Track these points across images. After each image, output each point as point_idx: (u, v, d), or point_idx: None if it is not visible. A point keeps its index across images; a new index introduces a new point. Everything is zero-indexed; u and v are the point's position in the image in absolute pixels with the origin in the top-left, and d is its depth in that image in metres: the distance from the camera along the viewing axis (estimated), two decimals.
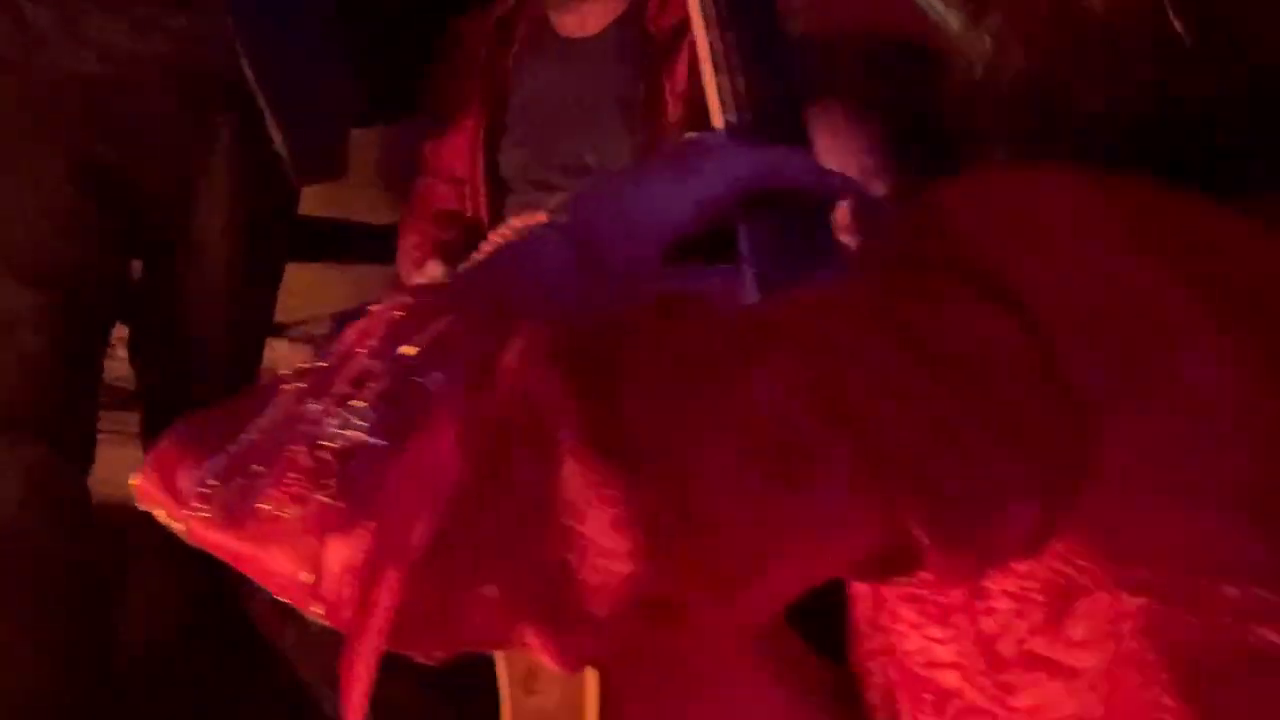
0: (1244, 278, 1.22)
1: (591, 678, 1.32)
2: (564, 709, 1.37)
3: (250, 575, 1.05)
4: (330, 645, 2.58)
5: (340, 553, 1.02)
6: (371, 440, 1.02)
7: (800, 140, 1.24)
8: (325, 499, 1.02)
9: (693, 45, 2.91)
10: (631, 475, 1.05)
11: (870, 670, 1.31)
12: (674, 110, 2.73)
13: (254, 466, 1.04)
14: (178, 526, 1.05)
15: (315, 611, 1.03)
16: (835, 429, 1.09)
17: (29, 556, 2.53)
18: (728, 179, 1.22)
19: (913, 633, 1.25)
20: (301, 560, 1.03)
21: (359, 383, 1.04)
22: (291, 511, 1.02)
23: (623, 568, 1.02)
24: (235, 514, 1.03)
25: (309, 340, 3.11)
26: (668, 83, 2.75)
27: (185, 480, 1.06)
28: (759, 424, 1.09)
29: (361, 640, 1.00)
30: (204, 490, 1.06)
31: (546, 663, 1.10)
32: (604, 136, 2.79)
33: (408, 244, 2.91)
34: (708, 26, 1.26)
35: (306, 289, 3.09)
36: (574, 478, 1.03)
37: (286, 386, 1.06)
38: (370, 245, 3.18)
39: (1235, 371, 1.19)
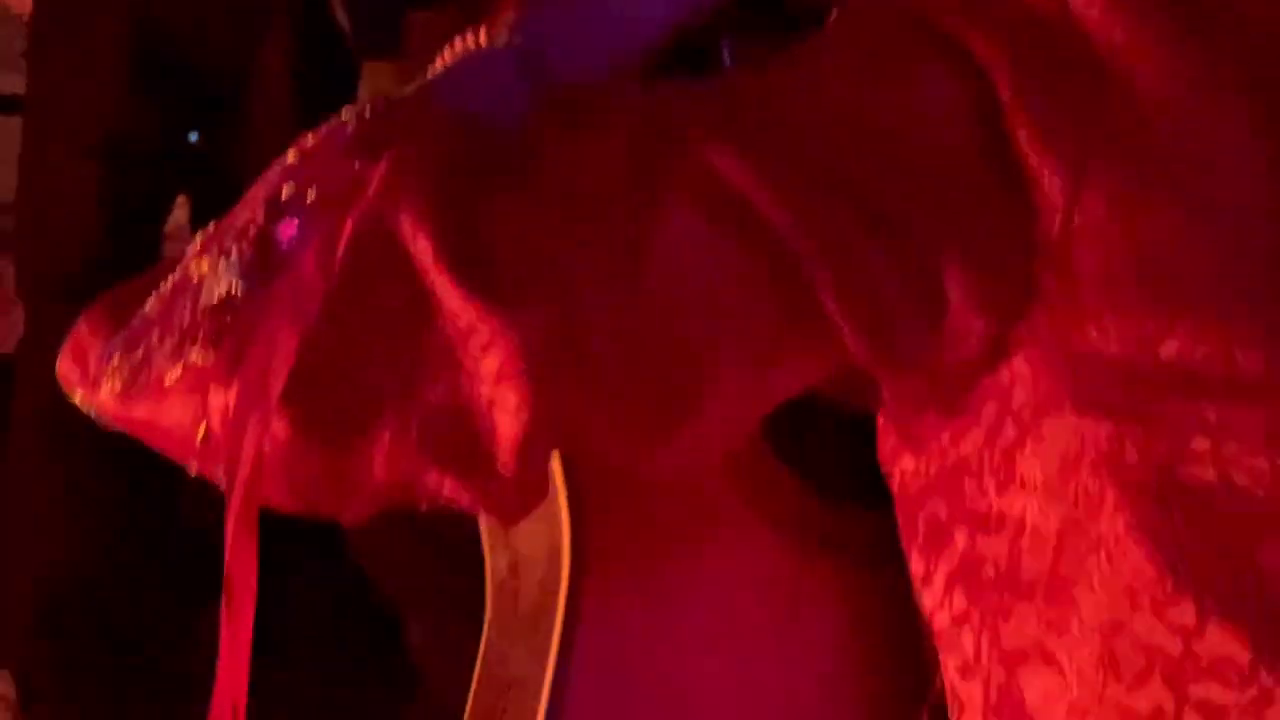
0: (1242, 34, 1.07)
1: (565, 527, 1.30)
2: (532, 560, 1.35)
3: (152, 442, 1.03)
4: (380, 527, 2.60)
5: (218, 408, 0.98)
6: (239, 288, 0.98)
7: None
8: (198, 356, 0.99)
9: None
10: (511, 302, 1.00)
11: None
12: None
13: (151, 336, 1.01)
14: (92, 409, 1.03)
15: (198, 466, 1.01)
16: (757, 245, 1.01)
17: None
18: None
19: (899, 460, 1.21)
20: (191, 424, 1.00)
21: (240, 234, 1.00)
22: (177, 373, 0.99)
23: (515, 404, 0.96)
24: (132, 386, 1.00)
25: None
26: None
27: (94, 360, 1.04)
28: (671, 244, 0.98)
29: (235, 497, 0.97)
30: (108, 366, 1.03)
31: (479, 514, 1.07)
32: None
33: None
34: None
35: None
36: (449, 304, 0.96)
37: (190, 250, 1.03)
38: None
39: (1238, 144, 1.05)
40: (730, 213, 1.02)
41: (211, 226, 1.04)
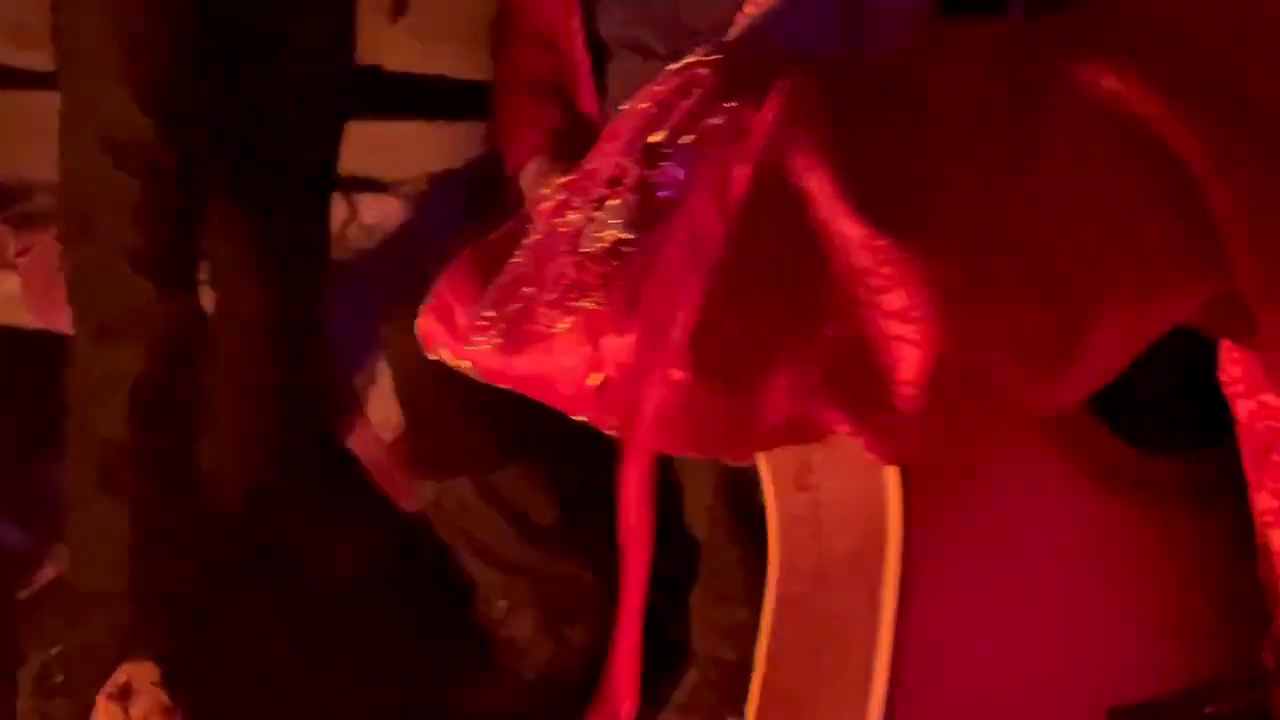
0: None
1: (892, 473, 1.30)
2: (840, 502, 1.36)
3: (544, 400, 1.02)
4: (474, 510, 2.58)
5: (614, 356, 0.98)
6: (626, 234, 0.98)
7: None
8: (591, 304, 0.99)
9: None
10: (913, 235, 0.99)
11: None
12: None
13: (525, 289, 1.00)
14: (464, 364, 1.03)
15: (596, 416, 1.00)
16: (1155, 164, 1.02)
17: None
18: None
19: (1257, 394, 1.22)
20: (582, 372, 1.00)
21: (613, 182, 1.00)
22: (565, 323, 0.99)
23: (921, 339, 0.97)
24: (514, 339, 1.00)
25: (409, 198, 3.06)
26: None
27: (463, 316, 1.03)
28: (1061, 160, 1.03)
29: (634, 443, 0.97)
30: (481, 322, 1.03)
31: (866, 452, 1.06)
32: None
33: (510, 123, 2.83)
34: None
35: (400, 145, 3.05)
36: (849, 242, 0.97)
37: (545, 205, 1.03)
38: (460, 101, 3.12)
39: None
40: (1127, 131, 1.02)
41: (564, 180, 1.03)
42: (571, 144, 2.70)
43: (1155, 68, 1.04)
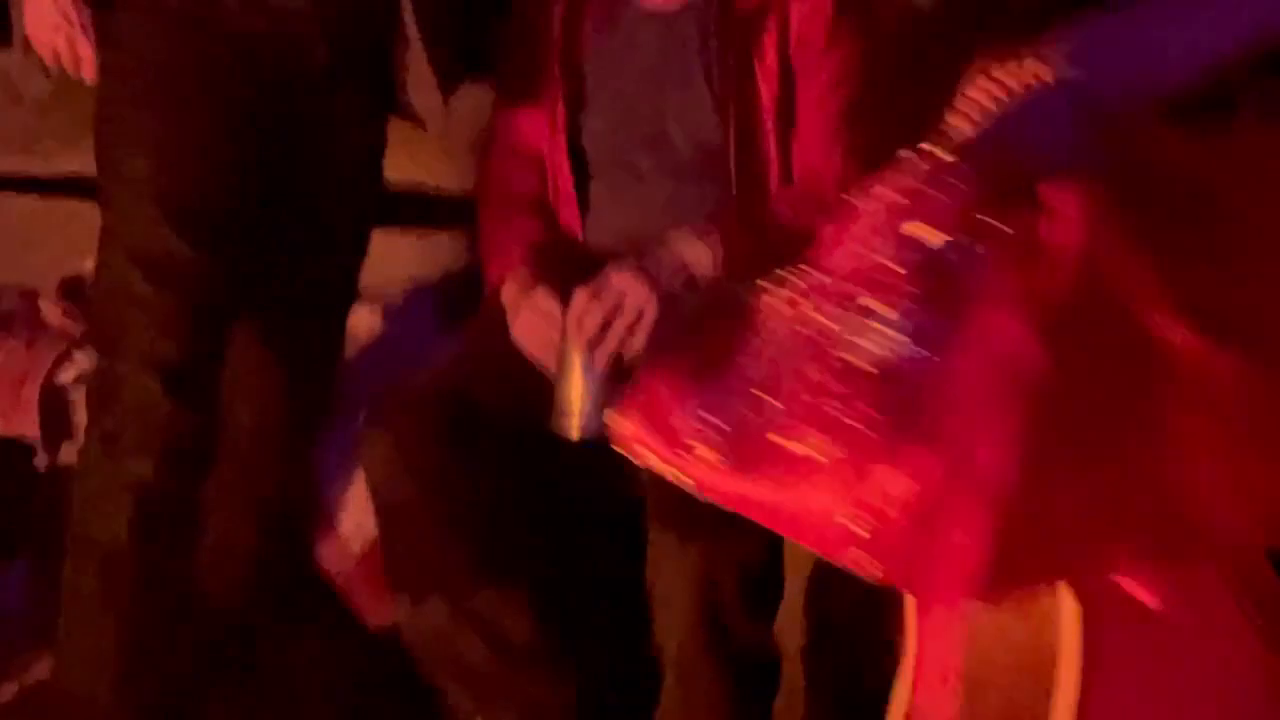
0: None
1: (1071, 610, 1.24)
2: (1027, 632, 1.31)
3: (771, 523, 0.89)
4: (451, 633, 2.54)
5: (895, 487, 0.86)
6: (913, 349, 0.87)
7: None
8: (861, 424, 0.87)
9: (780, 22, 2.83)
10: (1235, 345, 0.90)
11: None
12: (766, 89, 2.69)
13: (756, 393, 0.88)
14: (674, 473, 0.90)
15: (858, 559, 0.86)
16: None
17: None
18: (1236, 28, 1.04)
19: None
20: (840, 499, 0.87)
21: (875, 284, 0.89)
22: (817, 442, 0.87)
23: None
24: (745, 451, 0.88)
25: (385, 307, 3.05)
26: (757, 61, 2.70)
27: (679, 419, 0.91)
28: None
29: (938, 592, 0.85)
30: (701, 428, 0.90)
31: (1140, 596, 0.90)
32: (688, 107, 2.74)
33: (492, 236, 2.83)
34: None
35: (377, 254, 3.04)
36: (1175, 362, 0.88)
37: (772, 300, 0.90)
38: (439, 211, 3.12)
39: None
40: None
41: (795, 274, 0.92)
42: (554, 259, 2.72)
43: None
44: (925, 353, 0.82)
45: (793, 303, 0.89)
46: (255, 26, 2.61)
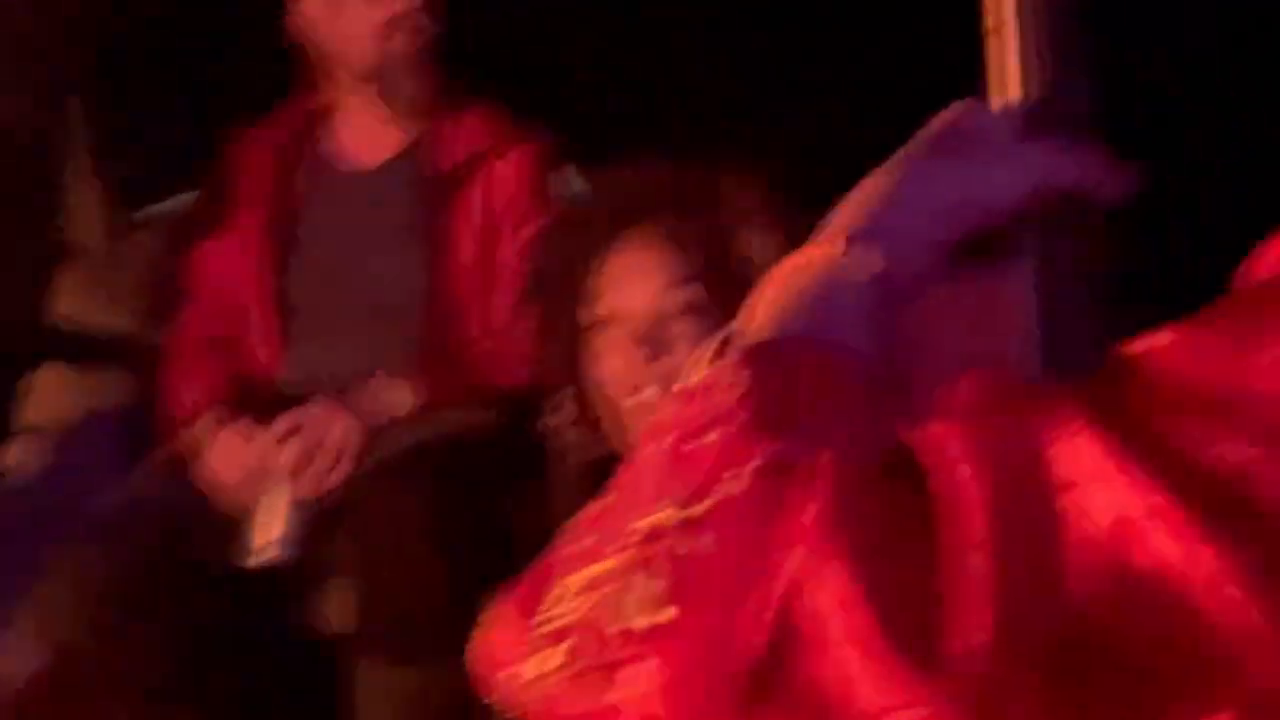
0: None
1: None
2: None
3: None
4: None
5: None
6: (667, 611, 0.80)
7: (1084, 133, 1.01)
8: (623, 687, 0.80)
9: (487, 176, 2.94)
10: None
11: None
12: (468, 244, 2.71)
13: (574, 640, 0.82)
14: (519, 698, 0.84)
15: None
16: None
17: None
18: (1030, 171, 0.98)
19: None
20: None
21: (647, 538, 0.81)
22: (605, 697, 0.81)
23: None
24: (569, 687, 0.82)
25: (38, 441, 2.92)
26: (461, 215, 2.72)
27: (515, 643, 0.85)
28: None
29: None
30: (533, 654, 0.84)
31: None
32: (392, 259, 2.75)
33: (184, 374, 2.79)
34: None
35: (47, 388, 2.93)
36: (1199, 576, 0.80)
37: (568, 540, 0.84)
38: (103, 349, 3.03)
39: None
40: None
41: (587, 517, 0.88)
42: (248, 398, 2.67)
43: None
44: (682, 614, 0.78)
45: (580, 547, 0.84)
46: None
